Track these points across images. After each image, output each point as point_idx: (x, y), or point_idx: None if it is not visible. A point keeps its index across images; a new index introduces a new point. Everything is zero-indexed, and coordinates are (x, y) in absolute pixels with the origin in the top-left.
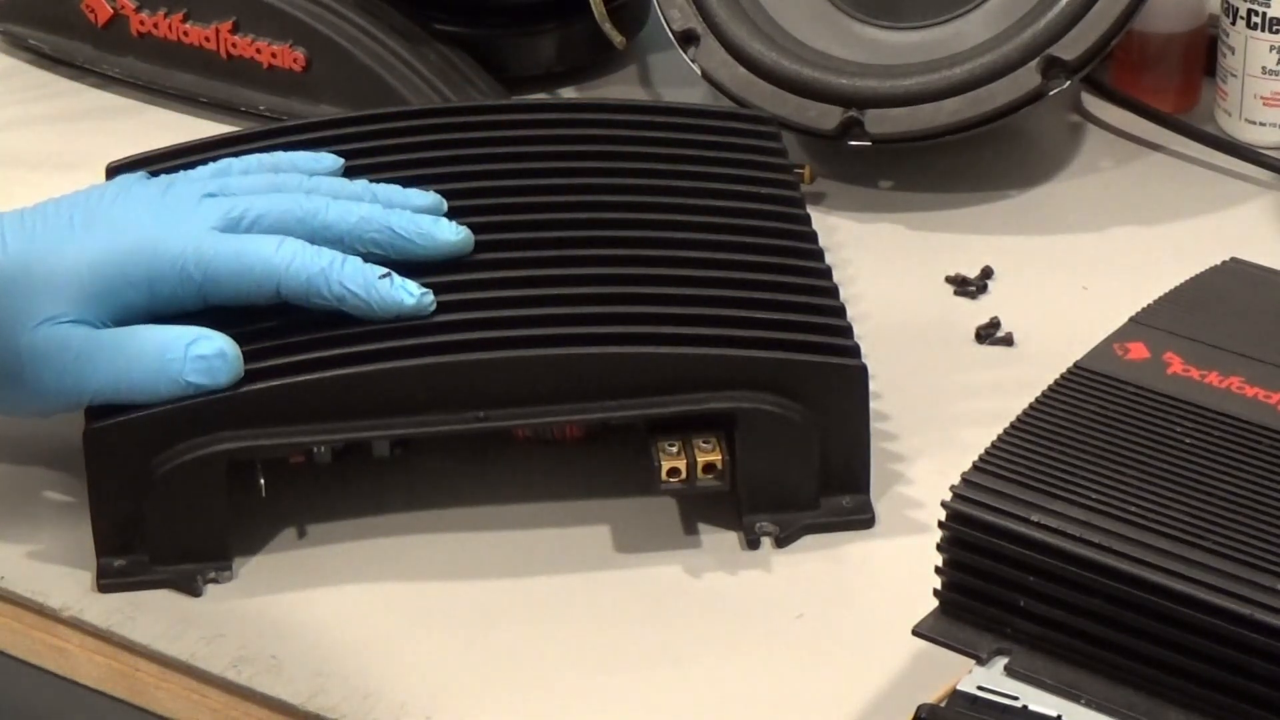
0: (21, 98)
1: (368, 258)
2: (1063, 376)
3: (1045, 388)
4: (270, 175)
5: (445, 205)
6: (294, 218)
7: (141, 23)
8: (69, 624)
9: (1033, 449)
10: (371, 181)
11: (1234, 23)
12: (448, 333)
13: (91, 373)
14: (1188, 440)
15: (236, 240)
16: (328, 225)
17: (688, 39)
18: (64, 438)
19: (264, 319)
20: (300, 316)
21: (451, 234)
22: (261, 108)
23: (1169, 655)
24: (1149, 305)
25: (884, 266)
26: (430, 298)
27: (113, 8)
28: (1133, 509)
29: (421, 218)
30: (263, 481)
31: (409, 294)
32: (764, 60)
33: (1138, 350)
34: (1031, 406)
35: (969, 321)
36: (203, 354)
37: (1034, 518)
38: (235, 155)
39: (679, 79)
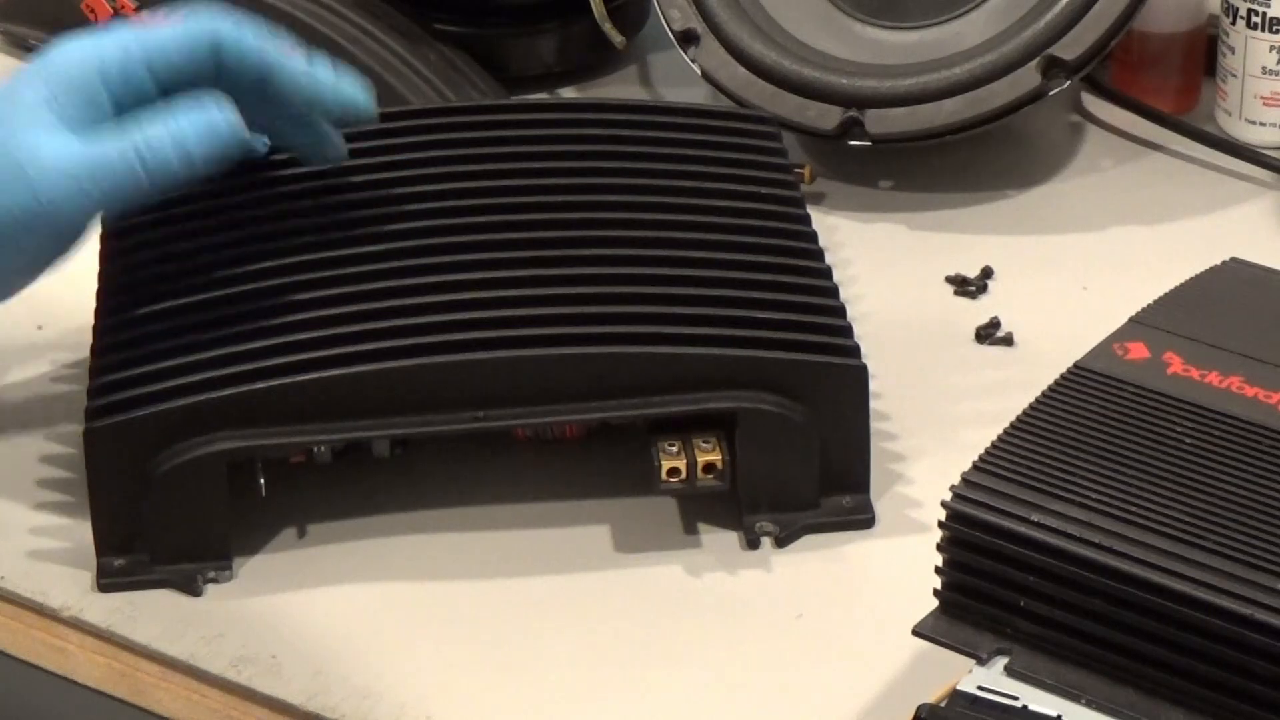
0: None
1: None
2: (1063, 376)
3: (1045, 388)
4: None
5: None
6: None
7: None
8: (69, 624)
9: (1033, 449)
10: (371, 184)
11: (1234, 23)
12: (448, 333)
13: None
14: (1188, 440)
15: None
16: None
17: (688, 39)
18: (64, 437)
19: (266, 315)
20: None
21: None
22: None
23: (1169, 655)
24: (1149, 305)
25: (884, 266)
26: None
27: (113, 8)
28: (1133, 509)
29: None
30: (263, 481)
31: (355, 86)
32: (764, 60)
33: (1138, 350)
34: (1031, 406)
35: (969, 321)
36: (202, 107)
37: (1034, 518)
38: None
39: (679, 79)
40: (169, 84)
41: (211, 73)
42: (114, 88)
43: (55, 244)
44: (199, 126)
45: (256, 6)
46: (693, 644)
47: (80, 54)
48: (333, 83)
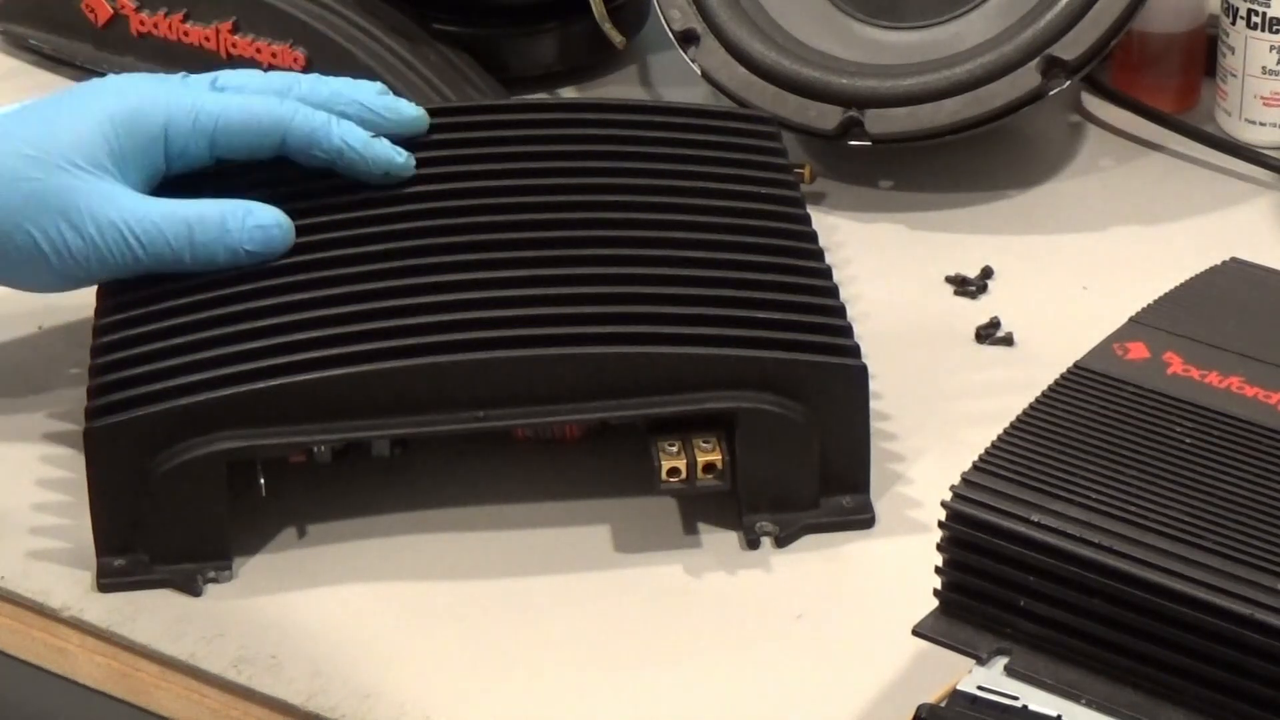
0: (22, 98)
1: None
2: (1063, 376)
3: (1045, 388)
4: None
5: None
6: (272, 89)
7: (141, 23)
8: (69, 624)
9: (1033, 449)
10: (371, 184)
11: (1234, 23)
12: (448, 333)
13: (156, 236)
14: (1188, 440)
15: (240, 95)
16: (303, 97)
17: (688, 39)
18: (64, 437)
19: (267, 310)
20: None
21: (412, 109)
22: None
23: (1169, 655)
24: (1149, 305)
25: (884, 266)
26: (413, 160)
27: (113, 8)
28: (1133, 509)
29: (386, 95)
30: (263, 481)
31: (397, 153)
32: (764, 60)
33: (1138, 350)
34: (1031, 406)
35: (969, 321)
36: (261, 223)
37: (1034, 518)
38: None
39: (679, 79)
40: (226, 155)
41: (271, 155)
42: (173, 152)
43: (76, 282)
44: (255, 237)
45: (257, 7)
46: (693, 644)
47: (151, 107)
48: (388, 160)
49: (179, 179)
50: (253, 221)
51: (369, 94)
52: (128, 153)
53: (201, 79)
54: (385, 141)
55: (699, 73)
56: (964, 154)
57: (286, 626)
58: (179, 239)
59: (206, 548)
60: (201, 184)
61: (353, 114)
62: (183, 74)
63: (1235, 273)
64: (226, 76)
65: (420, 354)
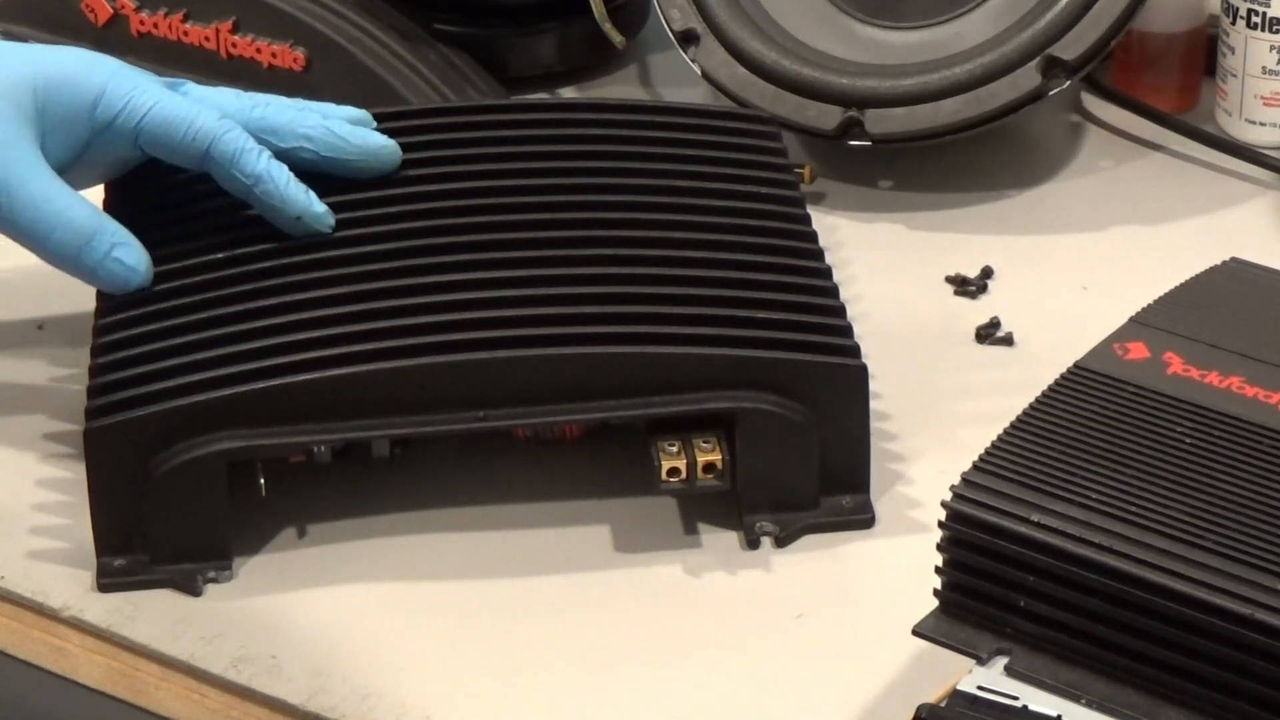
0: None
1: (299, 160)
2: (1063, 376)
3: (1045, 388)
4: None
5: (372, 122)
6: (233, 105)
7: (141, 23)
8: (69, 624)
9: (1033, 449)
10: (371, 184)
11: (1234, 23)
12: (448, 333)
13: (19, 209)
14: (1188, 440)
15: (186, 99)
16: (264, 117)
17: (688, 39)
18: (64, 437)
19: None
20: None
21: (379, 139)
22: None
23: (1169, 655)
24: (1149, 305)
25: (884, 266)
26: (332, 220)
27: (113, 8)
28: (1133, 509)
29: (362, 127)
30: (263, 481)
31: (315, 202)
32: (764, 60)
33: (1138, 350)
34: (1031, 406)
35: (969, 321)
36: (121, 260)
37: (1034, 518)
38: None
39: (679, 79)
40: (151, 153)
41: (197, 166)
42: (97, 127)
43: None
44: (110, 270)
45: (257, 7)
46: (693, 644)
47: (87, 78)
48: (303, 204)
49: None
50: (116, 254)
51: (339, 120)
52: (50, 114)
53: (168, 81)
54: (305, 189)
55: (699, 73)
56: (964, 154)
57: (286, 626)
58: (36, 229)
59: (206, 548)
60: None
61: (316, 136)
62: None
63: (1235, 273)
64: (192, 86)
65: (420, 354)
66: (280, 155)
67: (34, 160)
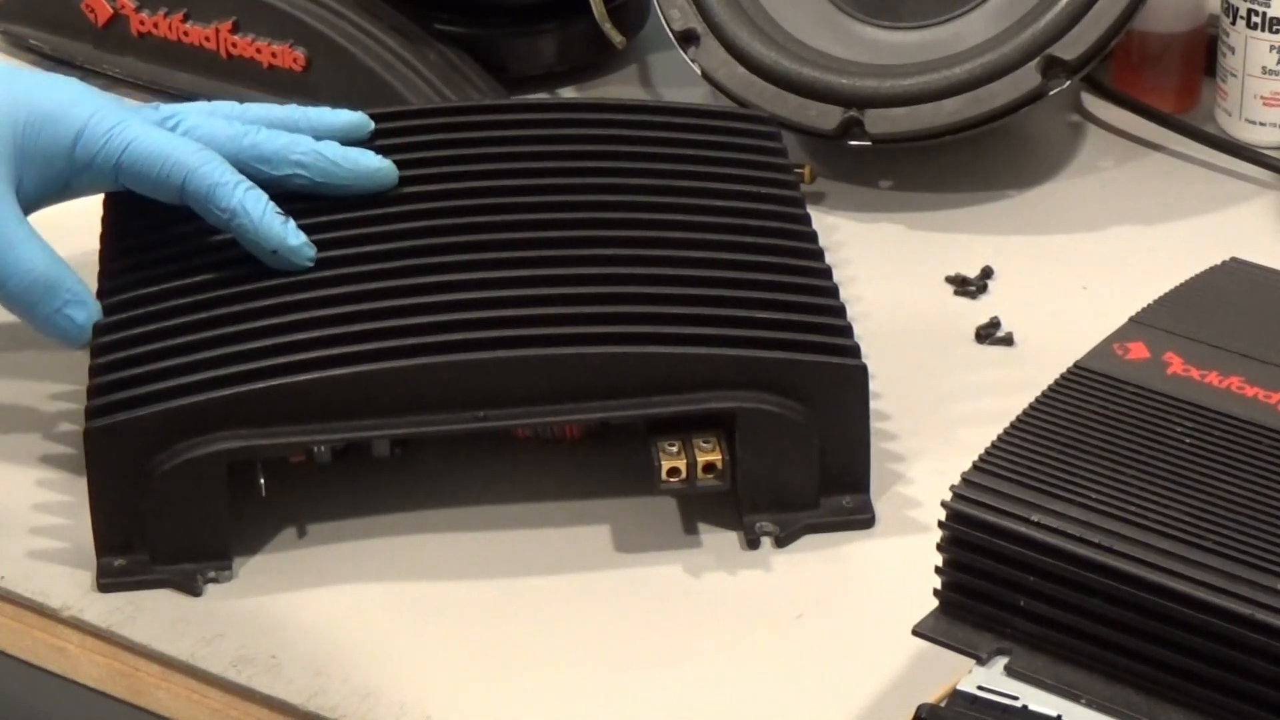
0: None
1: (293, 187)
2: (1063, 376)
3: (1045, 388)
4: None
5: (370, 125)
6: (224, 134)
7: (141, 22)
8: (69, 624)
9: (1033, 449)
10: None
11: (1234, 23)
12: (448, 333)
13: None
14: (1188, 440)
15: (165, 134)
16: (255, 145)
17: (688, 39)
18: (64, 437)
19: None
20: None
21: (375, 161)
22: None
23: (1169, 655)
24: (1149, 305)
25: (884, 266)
26: (312, 251)
27: (113, 8)
28: (1133, 509)
29: (349, 148)
30: (263, 481)
31: (294, 235)
32: (764, 60)
33: (1138, 350)
34: (1031, 406)
35: (969, 321)
36: (71, 316)
37: (1034, 518)
38: None
39: (679, 79)
40: (131, 187)
41: (175, 199)
42: (78, 165)
43: None
44: (57, 324)
45: (257, 6)
46: (693, 644)
47: (69, 114)
48: (280, 238)
49: None
50: (66, 310)
51: (331, 144)
52: (29, 152)
53: (156, 111)
54: (284, 221)
55: (699, 73)
56: (964, 154)
57: (286, 626)
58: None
59: (206, 548)
60: None
61: (309, 163)
62: (154, 104)
63: (1235, 273)
64: (184, 113)
65: (420, 354)
66: (274, 183)
67: (2, 202)
